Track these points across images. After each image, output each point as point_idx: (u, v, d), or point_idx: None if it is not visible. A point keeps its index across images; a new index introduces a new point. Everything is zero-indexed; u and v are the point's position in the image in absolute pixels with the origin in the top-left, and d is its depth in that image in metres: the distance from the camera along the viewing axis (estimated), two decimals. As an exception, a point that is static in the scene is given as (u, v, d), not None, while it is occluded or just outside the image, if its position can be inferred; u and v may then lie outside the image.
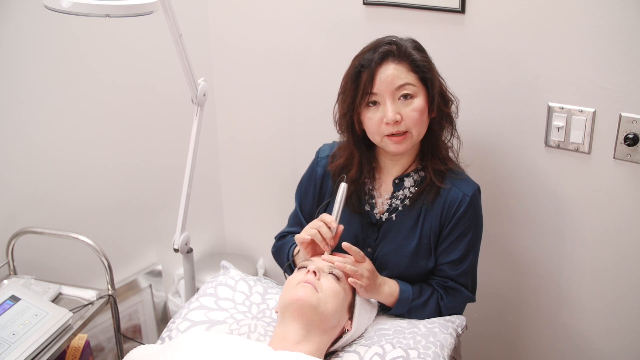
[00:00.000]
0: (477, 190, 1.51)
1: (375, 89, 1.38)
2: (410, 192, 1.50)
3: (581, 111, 1.57)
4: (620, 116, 1.51)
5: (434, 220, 1.48)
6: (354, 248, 1.37)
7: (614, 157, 1.56)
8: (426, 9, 1.72)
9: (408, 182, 1.50)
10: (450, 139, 1.52)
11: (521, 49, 1.61)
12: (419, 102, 1.40)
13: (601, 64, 1.51)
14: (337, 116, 1.51)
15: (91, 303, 1.70)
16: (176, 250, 1.82)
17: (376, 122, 1.41)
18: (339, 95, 1.49)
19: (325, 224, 1.40)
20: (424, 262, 1.50)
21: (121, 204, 2.10)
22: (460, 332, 1.47)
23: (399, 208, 1.50)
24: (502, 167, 1.74)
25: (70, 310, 1.59)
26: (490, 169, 1.75)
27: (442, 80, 1.47)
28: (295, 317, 1.31)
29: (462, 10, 1.66)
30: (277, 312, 1.40)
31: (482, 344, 1.98)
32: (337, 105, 1.51)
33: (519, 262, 1.83)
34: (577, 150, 1.61)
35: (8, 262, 1.75)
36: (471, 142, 1.67)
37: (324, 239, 1.39)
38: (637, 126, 1.50)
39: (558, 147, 1.64)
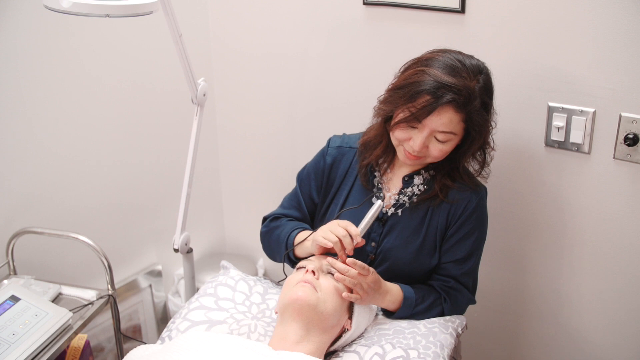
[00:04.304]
0: (484, 192, 1.52)
1: (423, 121, 1.36)
2: (419, 190, 1.50)
3: (581, 111, 1.57)
4: (620, 116, 1.51)
5: (441, 218, 1.49)
6: (359, 263, 1.36)
7: (614, 157, 1.56)
8: (426, 9, 1.72)
9: (417, 179, 1.51)
10: (479, 172, 1.51)
11: (521, 49, 1.61)
12: (450, 145, 1.40)
13: (601, 64, 1.51)
14: (379, 104, 1.47)
15: (91, 303, 1.70)
16: (176, 250, 1.82)
17: (403, 136, 1.40)
18: (391, 89, 1.43)
19: (350, 236, 1.39)
20: (427, 259, 1.50)
21: (121, 204, 2.10)
22: (460, 332, 1.47)
23: (406, 204, 1.50)
24: (502, 167, 1.74)
25: (70, 310, 1.59)
26: (490, 169, 1.75)
27: (491, 126, 1.44)
28: (294, 316, 1.31)
29: (462, 10, 1.66)
30: (276, 312, 1.40)
31: (482, 344, 1.98)
32: (384, 95, 1.45)
33: (518, 262, 1.83)
34: (577, 150, 1.61)
35: (8, 262, 1.75)
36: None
37: (343, 248, 1.39)
38: (637, 126, 1.50)
39: (558, 147, 1.64)
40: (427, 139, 1.38)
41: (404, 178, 1.52)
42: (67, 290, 1.74)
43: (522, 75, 1.63)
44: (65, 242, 1.73)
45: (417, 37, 1.76)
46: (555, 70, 1.58)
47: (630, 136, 1.50)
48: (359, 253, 1.48)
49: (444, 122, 1.34)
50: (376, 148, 1.51)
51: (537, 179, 1.71)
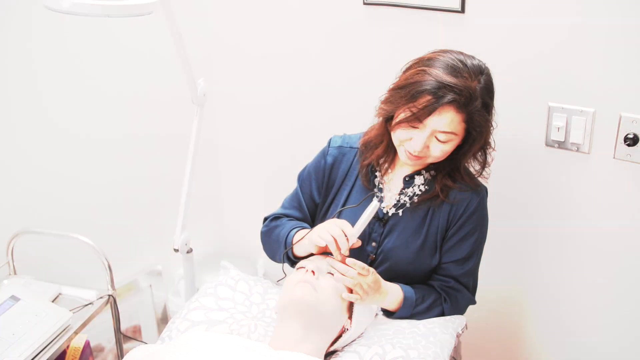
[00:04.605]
0: (485, 192, 1.52)
1: (424, 121, 1.35)
2: (420, 190, 1.50)
3: (581, 111, 1.57)
4: (620, 116, 1.51)
5: (442, 218, 1.49)
6: (359, 263, 1.36)
7: (614, 157, 1.56)
8: (426, 9, 1.72)
9: (418, 180, 1.50)
10: (480, 172, 1.51)
11: (521, 49, 1.61)
12: (451, 146, 1.39)
13: (601, 64, 1.51)
14: (381, 104, 1.45)
15: (91, 303, 1.70)
16: (176, 250, 1.82)
17: (405, 136, 1.40)
18: (392, 89, 1.42)
19: (345, 236, 1.38)
20: (428, 259, 1.50)
21: (121, 204, 2.10)
22: (460, 332, 1.47)
23: (407, 205, 1.50)
24: (502, 167, 1.74)
25: (70, 310, 1.59)
26: (490, 169, 1.75)
27: (492, 127, 1.43)
28: (294, 316, 1.31)
29: (462, 10, 1.66)
30: (276, 313, 1.39)
31: (482, 343, 1.98)
32: (385, 94, 1.44)
33: (518, 262, 1.83)
34: (577, 150, 1.61)
35: (8, 262, 1.75)
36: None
37: (339, 248, 1.38)
38: (637, 126, 1.50)
39: (558, 147, 1.64)
40: (428, 139, 1.37)
41: (404, 178, 1.52)
42: (67, 290, 1.74)
43: (522, 75, 1.63)
44: (65, 242, 1.73)
45: (417, 37, 1.76)
46: (555, 70, 1.58)
47: (630, 136, 1.50)
48: (359, 253, 1.48)
49: (445, 122, 1.34)
50: (377, 148, 1.51)
51: (537, 179, 1.71)
